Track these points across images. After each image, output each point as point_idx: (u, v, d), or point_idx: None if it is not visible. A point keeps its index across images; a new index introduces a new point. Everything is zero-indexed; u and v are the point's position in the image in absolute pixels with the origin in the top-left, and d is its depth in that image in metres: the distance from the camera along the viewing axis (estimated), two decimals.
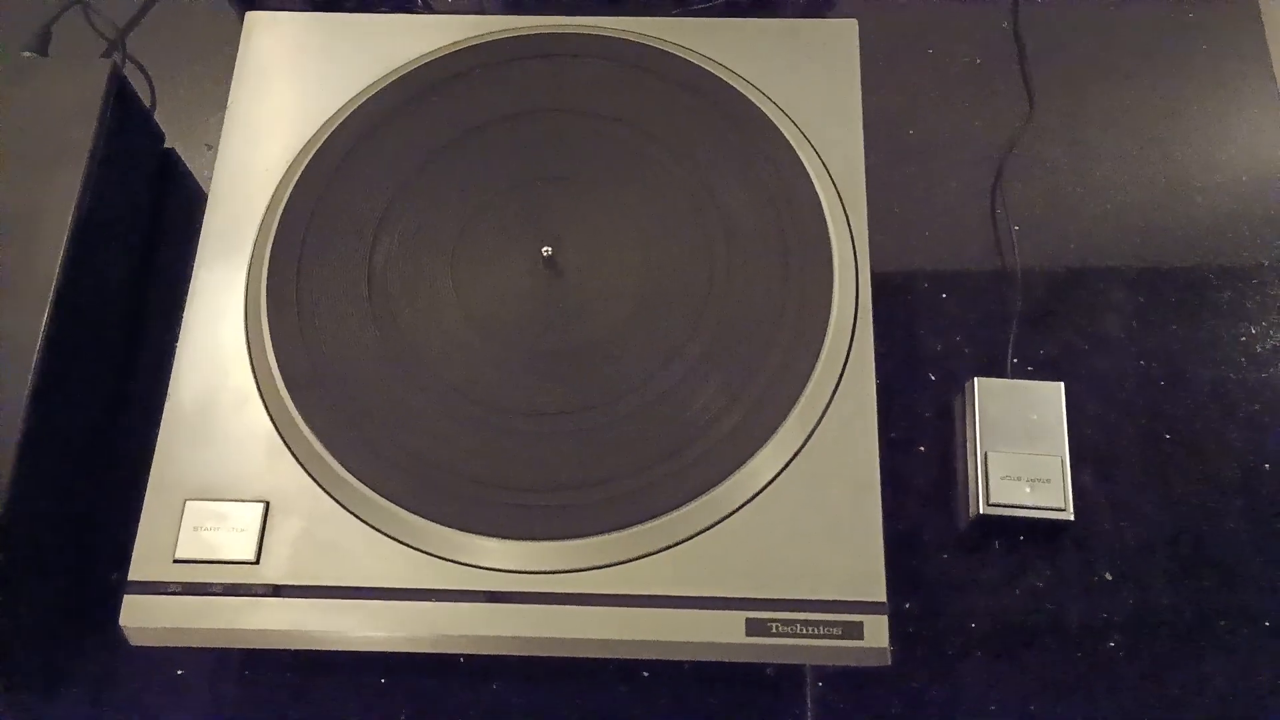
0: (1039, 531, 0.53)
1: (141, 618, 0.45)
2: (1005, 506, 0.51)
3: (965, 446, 0.53)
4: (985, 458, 0.52)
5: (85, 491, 0.53)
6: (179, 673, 0.51)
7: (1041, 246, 0.60)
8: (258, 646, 0.46)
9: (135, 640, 0.45)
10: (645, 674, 0.51)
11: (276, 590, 0.45)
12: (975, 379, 0.54)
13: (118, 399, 0.56)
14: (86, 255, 0.52)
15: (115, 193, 0.55)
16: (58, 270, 0.50)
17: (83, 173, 0.53)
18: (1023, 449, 0.52)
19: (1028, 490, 0.51)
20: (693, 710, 0.50)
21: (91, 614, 0.52)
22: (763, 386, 0.48)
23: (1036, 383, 0.54)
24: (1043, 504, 0.51)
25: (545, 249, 0.50)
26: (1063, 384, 0.54)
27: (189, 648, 0.51)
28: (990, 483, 0.52)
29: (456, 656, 0.51)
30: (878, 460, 0.47)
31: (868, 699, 0.51)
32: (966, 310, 0.59)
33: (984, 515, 0.51)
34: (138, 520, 0.53)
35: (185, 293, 0.59)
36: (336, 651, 0.50)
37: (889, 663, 0.45)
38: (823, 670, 0.51)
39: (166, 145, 0.63)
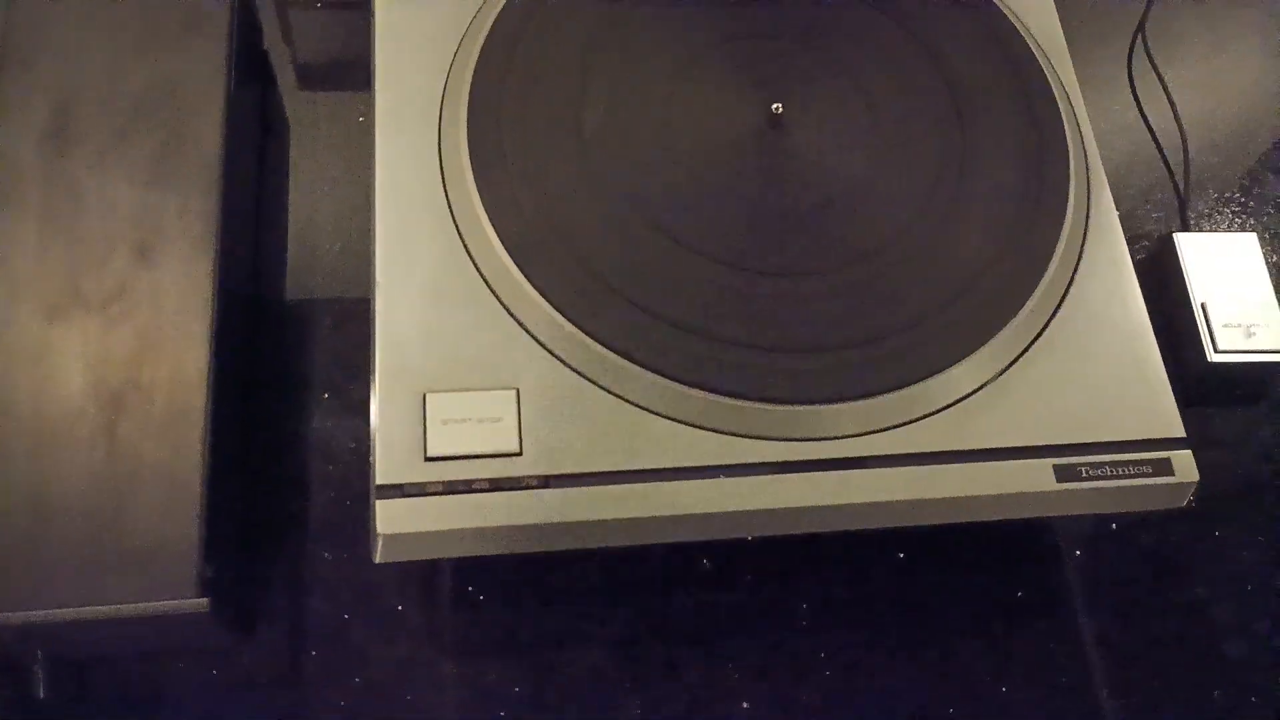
0: (1256, 382, 0.53)
1: (400, 523, 0.39)
2: (1232, 353, 0.51)
3: (1174, 303, 0.52)
4: (1204, 308, 0.51)
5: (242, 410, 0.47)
6: (398, 607, 0.45)
7: (1192, 106, 0.60)
8: (525, 549, 0.40)
9: (388, 553, 0.39)
10: (901, 555, 0.48)
11: (546, 481, 0.40)
12: (1175, 235, 0.53)
13: (255, 307, 0.50)
14: (234, 147, 0.46)
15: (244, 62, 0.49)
16: (220, 154, 0.44)
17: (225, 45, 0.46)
18: (1233, 298, 0.52)
19: (1248, 336, 0.51)
20: (959, 589, 0.47)
21: (278, 546, 0.45)
22: (1020, 239, 0.46)
23: (1232, 234, 0.54)
24: (1266, 346, 0.51)
25: (776, 105, 0.46)
26: (1255, 234, 0.54)
27: (400, 575, 0.45)
28: (1214, 332, 0.51)
29: (700, 560, 0.47)
30: (1141, 300, 0.46)
31: (1125, 559, 0.49)
32: (1128, 179, 0.58)
33: (1212, 364, 0.50)
34: (300, 443, 0.47)
35: (288, 186, 0.53)
36: (562, 572, 0.46)
37: (1184, 501, 0.43)
38: (1076, 535, 0.49)
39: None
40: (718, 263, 0.44)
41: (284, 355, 0.49)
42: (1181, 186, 0.57)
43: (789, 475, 0.41)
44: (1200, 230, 0.56)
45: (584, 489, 0.40)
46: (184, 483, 0.38)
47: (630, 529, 0.41)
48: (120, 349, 0.40)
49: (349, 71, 0.57)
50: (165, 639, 0.40)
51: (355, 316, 0.50)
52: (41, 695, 0.39)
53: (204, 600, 0.36)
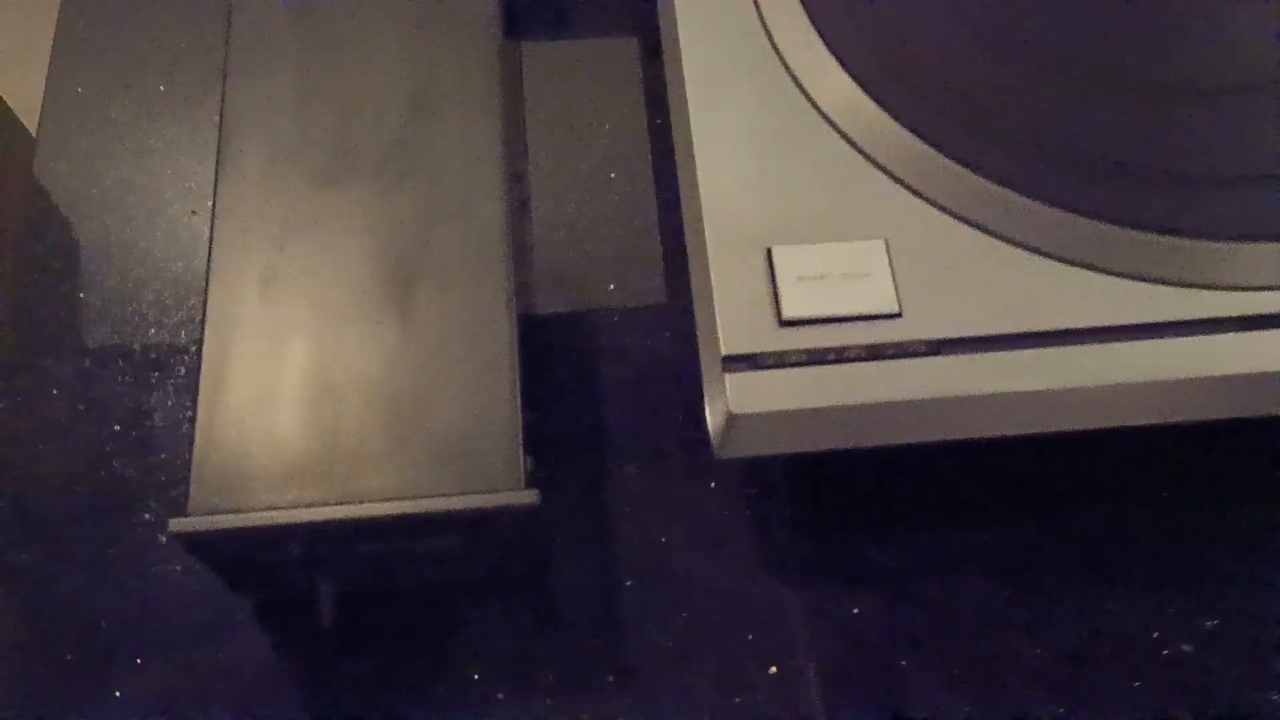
0: None
1: (756, 400, 0.31)
2: None
3: None
4: None
5: None
6: (722, 528, 0.36)
7: None
8: (903, 437, 0.32)
9: (735, 443, 0.31)
10: None
11: (937, 347, 0.32)
12: None
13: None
14: None
15: None
16: None
17: None
18: None
19: None
20: None
21: (573, 463, 0.37)
22: None
23: None
24: None
25: None
26: None
27: (719, 492, 0.37)
28: None
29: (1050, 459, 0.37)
30: None
31: None
32: None
33: None
34: (581, 341, 0.40)
35: None
36: (905, 480, 0.37)
37: None
38: None
39: None
40: (1105, 83, 0.35)
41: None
42: None
43: (1242, 334, 0.32)
44: None
45: (989, 355, 0.31)
46: (493, 360, 0.31)
47: (1052, 408, 0.31)
48: (403, 212, 0.33)
49: None
50: (469, 558, 0.33)
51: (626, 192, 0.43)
52: (325, 623, 0.32)
53: (532, 492, 0.29)
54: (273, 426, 0.30)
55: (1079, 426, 0.32)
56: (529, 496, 0.29)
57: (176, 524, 0.28)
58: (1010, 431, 0.32)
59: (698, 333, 0.34)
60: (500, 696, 0.34)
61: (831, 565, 0.36)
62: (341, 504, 0.28)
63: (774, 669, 0.34)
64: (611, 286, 0.41)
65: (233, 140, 0.34)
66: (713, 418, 0.32)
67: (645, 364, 0.39)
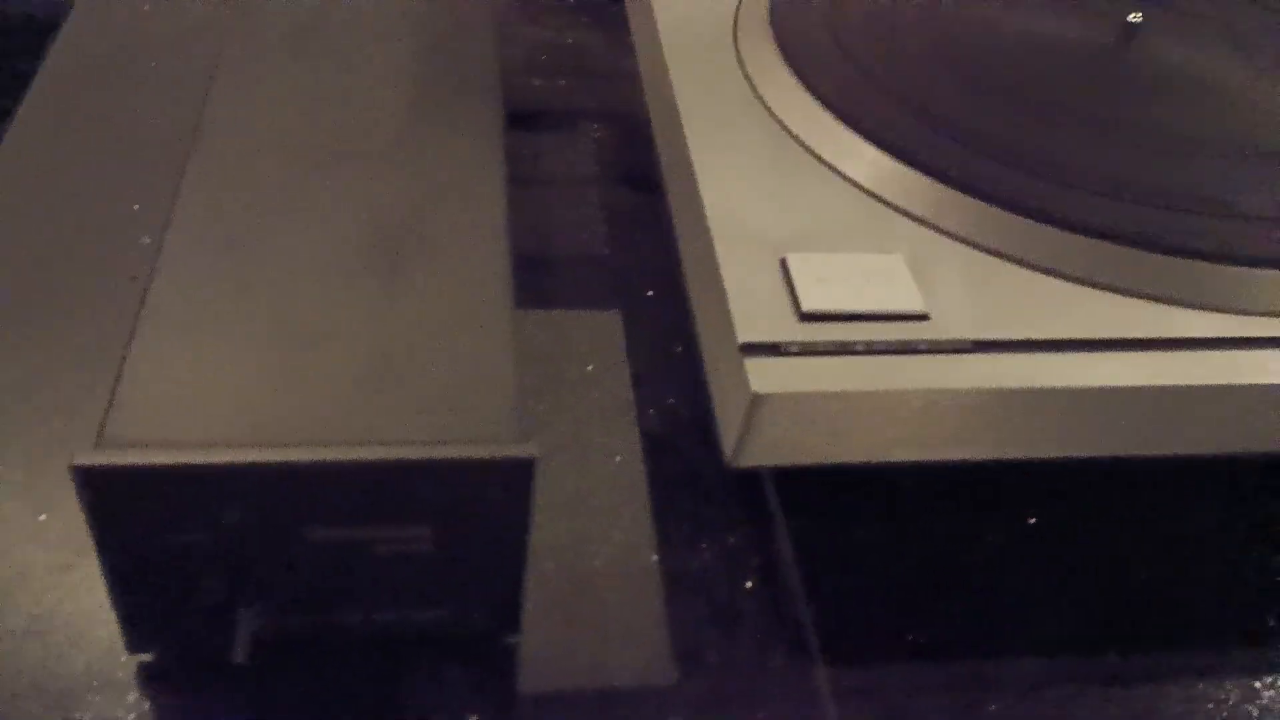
0: None
1: (781, 381, 0.27)
2: None
3: None
4: None
5: None
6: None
7: None
8: (939, 452, 0.28)
9: (759, 441, 0.27)
10: None
11: (971, 347, 0.29)
12: None
13: None
14: None
15: None
16: None
17: None
18: None
19: None
20: None
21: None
22: None
23: None
24: None
25: (1134, 15, 0.40)
26: None
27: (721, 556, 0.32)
28: None
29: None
30: None
31: None
32: None
33: None
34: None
35: None
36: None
37: None
38: None
39: None
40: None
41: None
42: None
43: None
44: None
45: (1031, 355, 0.29)
46: (485, 318, 0.27)
47: (1104, 411, 0.29)
48: (391, 194, 0.30)
49: None
50: (438, 571, 0.26)
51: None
52: (239, 659, 0.25)
53: (531, 444, 0.24)
54: (226, 365, 0.25)
55: (1130, 448, 0.29)
56: (527, 448, 0.24)
57: (83, 457, 0.22)
58: (1069, 448, 0.29)
59: (700, 341, 0.31)
60: None
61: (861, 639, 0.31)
62: (302, 445, 0.23)
63: None
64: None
65: (207, 131, 0.31)
66: (727, 414, 0.28)
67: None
